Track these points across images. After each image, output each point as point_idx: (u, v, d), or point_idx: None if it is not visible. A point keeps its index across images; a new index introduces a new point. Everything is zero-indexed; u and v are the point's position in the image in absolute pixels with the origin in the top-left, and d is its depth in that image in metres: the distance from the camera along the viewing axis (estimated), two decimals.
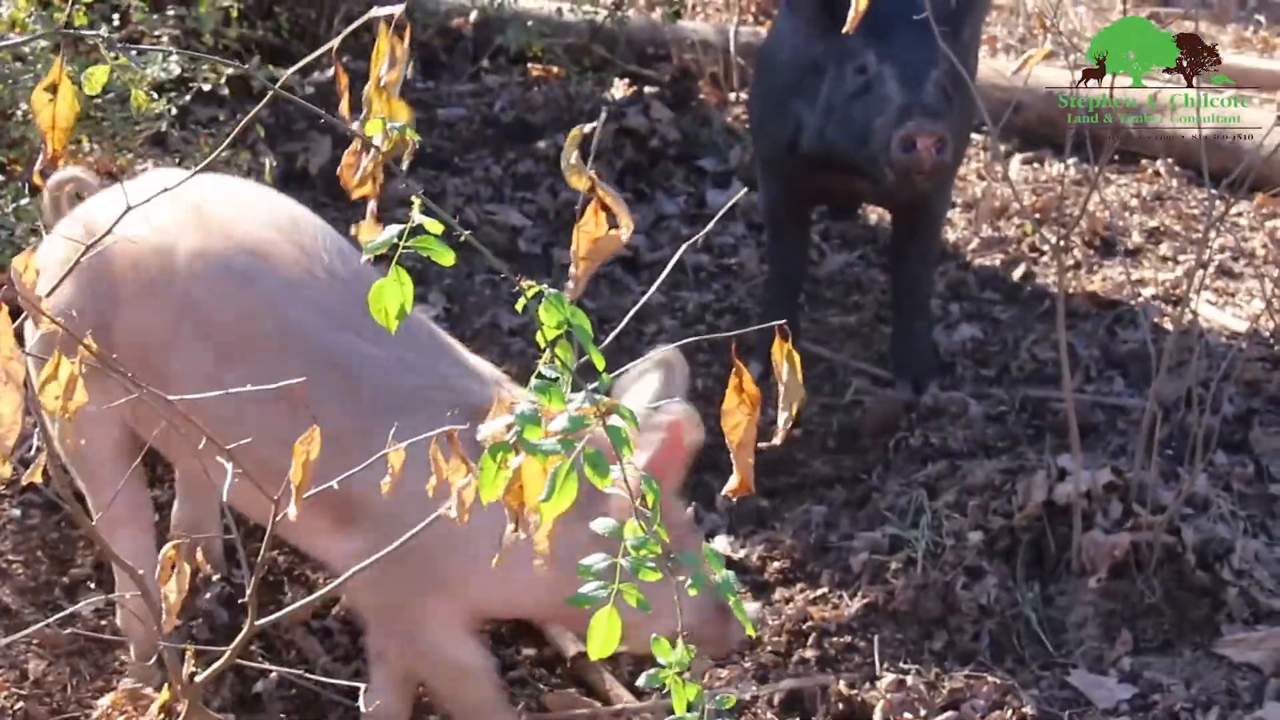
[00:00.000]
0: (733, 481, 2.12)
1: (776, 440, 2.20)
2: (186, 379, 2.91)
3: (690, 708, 1.65)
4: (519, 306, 1.77)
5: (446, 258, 1.76)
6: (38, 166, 2.24)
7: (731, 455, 2.08)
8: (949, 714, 3.34)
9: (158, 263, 3.01)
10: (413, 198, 1.78)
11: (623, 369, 2.53)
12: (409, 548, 2.76)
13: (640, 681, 1.66)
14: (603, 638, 1.66)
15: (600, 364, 1.78)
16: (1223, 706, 3.42)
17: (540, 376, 1.72)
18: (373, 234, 1.89)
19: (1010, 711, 3.41)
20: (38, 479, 2.58)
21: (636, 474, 1.69)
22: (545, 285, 1.79)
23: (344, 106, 2.04)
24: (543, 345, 1.74)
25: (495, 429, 1.78)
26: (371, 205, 2.08)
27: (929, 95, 4.02)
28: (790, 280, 4.71)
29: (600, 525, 1.69)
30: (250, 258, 3.01)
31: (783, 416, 2.26)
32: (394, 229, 1.78)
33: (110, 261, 2.96)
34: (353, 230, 1.97)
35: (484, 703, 3.13)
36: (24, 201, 3.83)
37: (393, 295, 1.80)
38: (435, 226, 1.77)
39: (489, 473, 1.76)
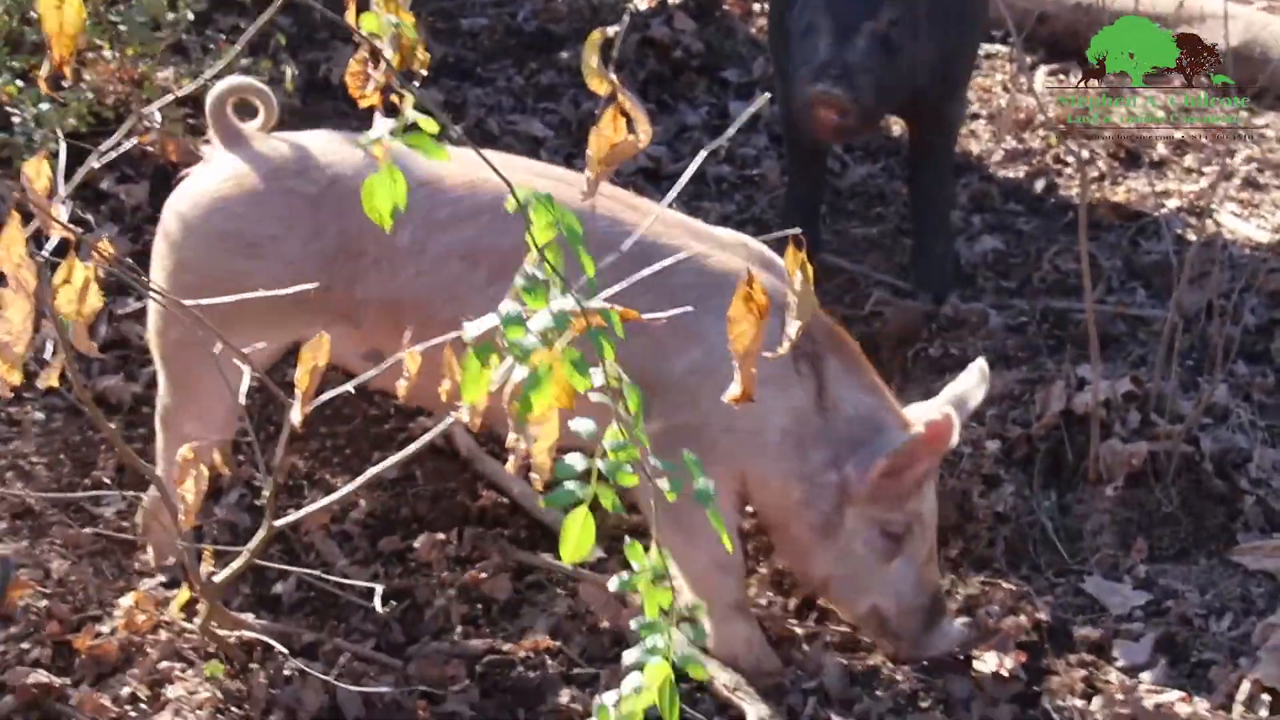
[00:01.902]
0: (734, 389, 2.12)
1: (782, 350, 2.20)
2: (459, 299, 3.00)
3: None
4: (509, 206, 1.75)
5: (440, 155, 1.75)
6: (43, 73, 2.23)
7: (735, 363, 2.08)
8: (964, 619, 3.36)
9: (425, 194, 3.05)
10: (405, 94, 1.76)
11: None
12: (695, 425, 2.93)
13: (612, 585, 1.66)
14: (575, 541, 1.66)
15: (590, 268, 1.77)
16: (1236, 613, 3.43)
17: (527, 277, 1.71)
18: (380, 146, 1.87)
19: (1025, 617, 3.43)
20: (54, 382, 2.61)
21: (621, 375, 1.68)
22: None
23: (350, 15, 2.02)
24: (533, 247, 1.73)
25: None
26: (378, 115, 2.07)
27: (852, 54, 3.93)
28: (808, 193, 4.69)
29: (579, 425, 1.68)
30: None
31: (794, 325, 2.26)
32: (387, 123, 1.77)
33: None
34: (355, 140, 1.95)
35: (735, 603, 3.19)
36: (44, 107, 3.84)
37: (384, 193, 1.80)
38: (430, 125, 1.75)
39: (473, 373, 1.76)
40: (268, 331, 2.96)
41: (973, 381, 3.28)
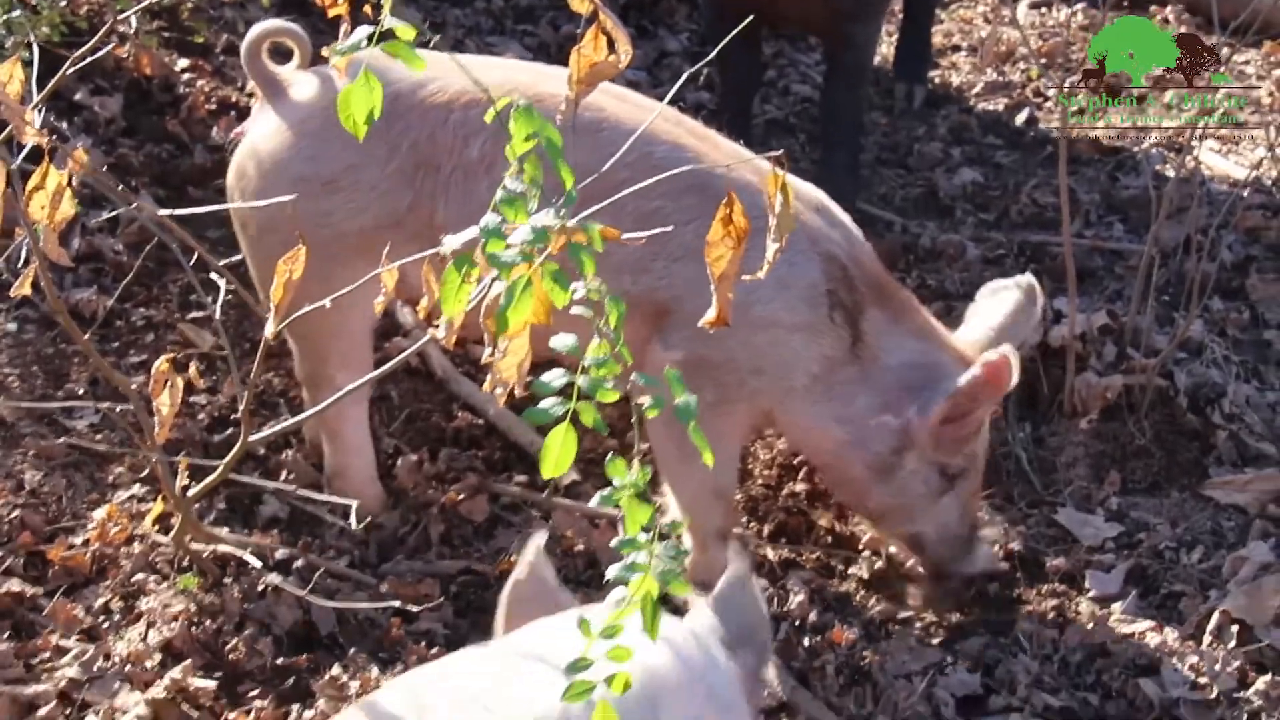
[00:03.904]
0: (710, 313, 2.11)
1: (761, 274, 2.18)
2: None
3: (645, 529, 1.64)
4: (488, 117, 1.73)
5: (417, 64, 1.72)
6: None
7: (712, 286, 2.06)
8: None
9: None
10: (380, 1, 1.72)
11: None
12: (721, 361, 2.94)
13: (593, 502, 1.65)
14: (556, 456, 1.64)
15: (569, 180, 1.75)
16: (1207, 546, 3.45)
17: (505, 189, 1.68)
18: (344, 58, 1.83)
19: (997, 548, 3.45)
20: (27, 291, 2.59)
21: (602, 289, 1.66)
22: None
23: None
24: (511, 159, 1.70)
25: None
26: (345, 26, 2.02)
27: None
28: (740, 93, 4.76)
29: (559, 341, 1.67)
30: (596, 112, 2.98)
31: (773, 247, 2.24)
32: (363, 30, 1.73)
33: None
34: (324, 51, 1.90)
35: (719, 531, 3.19)
36: (15, 14, 3.78)
37: (360, 101, 1.76)
38: (406, 32, 1.71)
39: (451, 285, 1.74)
40: (368, 263, 2.87)
41: (1016, 304, 3.25)
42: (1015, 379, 3.04)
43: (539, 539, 2.16)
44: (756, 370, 3.08)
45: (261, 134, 3.11)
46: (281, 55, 3.16)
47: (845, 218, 3.23)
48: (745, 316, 2.89)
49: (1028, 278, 3.29)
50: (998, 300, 3.29)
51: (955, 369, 3.11)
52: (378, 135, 3.00)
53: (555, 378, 1.63)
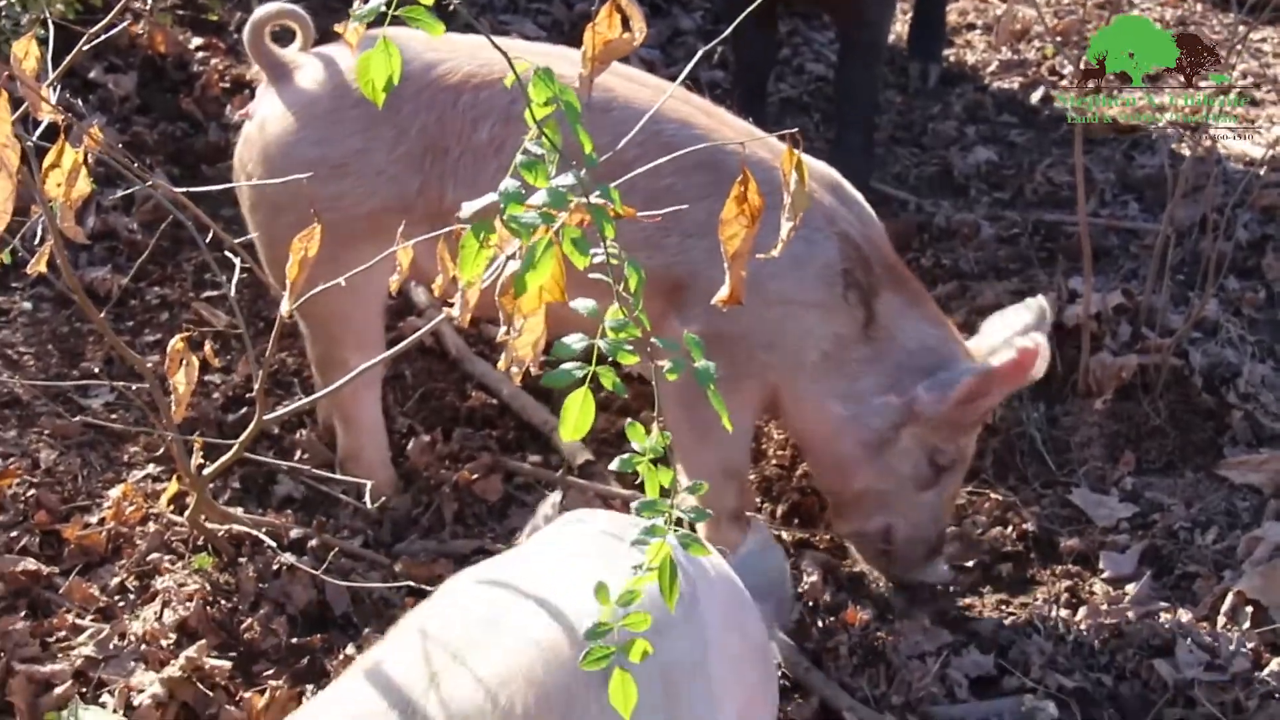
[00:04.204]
0: (723, 291, 2.10)
1: (775, 252, 2.18)
2: None
3: (664, 493, 1.64)
4: (508, 82, 1.72)
5: (436, 29, 1.70)
6: None
7: (725, 264, 2.06)
8: (951, 529, 3.37)
9: (501, 89, 2.99)
10: None
11: None
12: (735, 336, 2.96)
13: (613, 465, 1.65)
14: (575, 420, 1.64)
15: (588, 145, 1.74)
16: (1222, 526, 3.45)
17: (526, 153, 1.68)
18: (357, 32, 1.82)
19: (1011, 528, 3.45)
20: (43, 268, 2.59)
21: (619, 253, 1.66)
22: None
23: None
24: (530, 124, 1.69)
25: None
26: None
27: None
28: (755, 71, 4.75)
29: (580, 304, 1.66)
30: (605, 92, 2.99)
31: (787, 226, 2.24)
32: None
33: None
34: (337, 27, 1.90)
35: (733, 511, 3.18)
36: None
37: (380, 67, 1.75)
38: None
39: (470, 251, 1.73)
40: (377, 245, 2.87)
41: (1032, 318, 3.23)
42: (1042, 371, 3.05)
43: (554, 498, 2.20)
44: (769, 345, 3.08)
45: (268, 118, 3.10)
46: (285, 37, 3.16)
47: (859, 198, 3.22)
48: (761, 292, 2.90)
49: (1039, 300, 3.27)
50: (1007, 318, 3.27)
51: (965, 359, 3.12)
52: (386, 118, 3.00)
53: (575, 340, 1.63)
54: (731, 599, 2.19)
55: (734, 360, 3.04)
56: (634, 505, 1.63)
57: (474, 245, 1.72)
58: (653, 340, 1.66)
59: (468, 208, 1.75)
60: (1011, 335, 3.16)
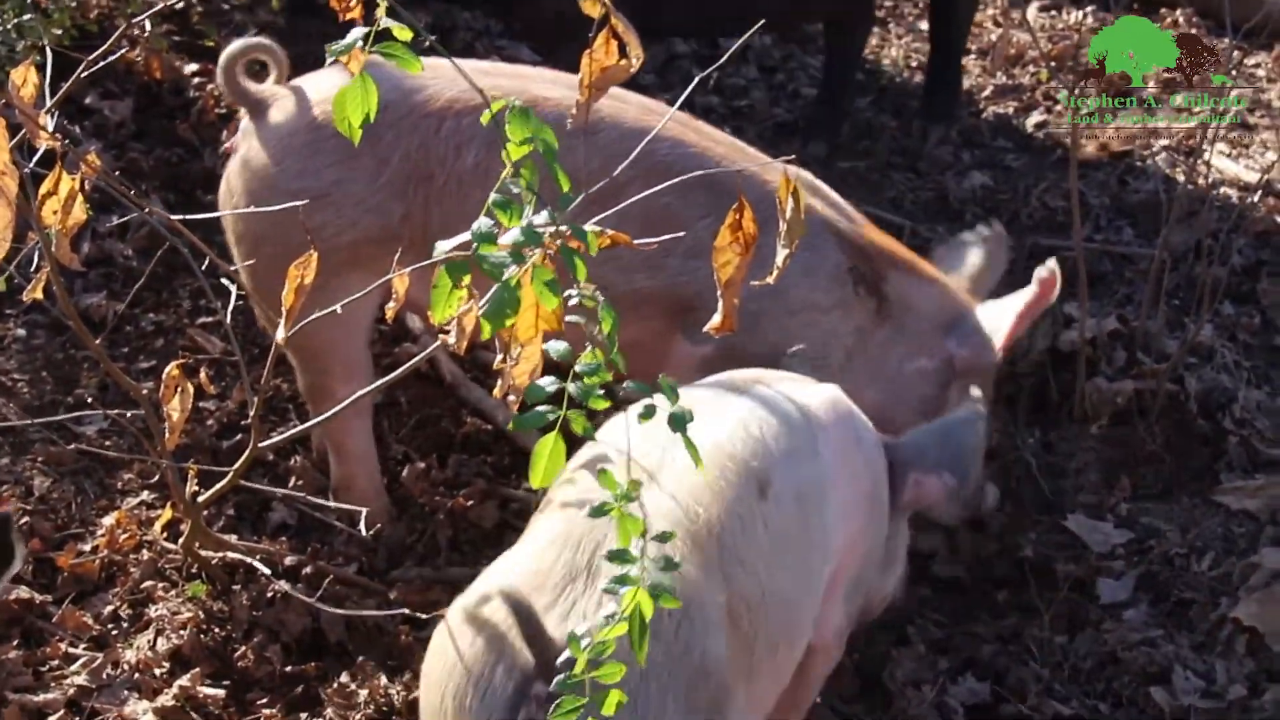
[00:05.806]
0: (716, 319, 2.10)
1: (770, 279, 2.17)
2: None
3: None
4: (484, 119, 1.71)
5: (413, 66, 1.70)
6: None
7: (719, 292, 2.06)
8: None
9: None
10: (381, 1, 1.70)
11: None
12: (758, 353, 2.96)
13: (585, 513, 1.65)
14: (544, 466, 1.64)
15: (565, 184, 1.74)
16: (1218, 552, 3.44)
17: (501, 192, 1.67)
18: (356, 59, 1.81)
19: (1007, 555, 3.44)
20: (39, 295, 2.58)
21: (596, 295, 1.65)
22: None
23: None
24: (508, 162, 1.69)
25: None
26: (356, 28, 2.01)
27: None
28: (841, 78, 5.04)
29: (553, 347, 1.67)
30: (591, 114, 2.98)
31: (782, 253, 2.24)
32: (358, 32, 1.71)
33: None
34: (327, 48, 1.89)
35: None
36: (26, 18, 3.77)
37: (355, 104, 1.74)
38: (403, 33, 1.69)
39: (443, 290, 1.72)
40: (361, 275, 2.86)
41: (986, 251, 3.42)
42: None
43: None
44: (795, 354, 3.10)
45: (249, 153, 3.10)
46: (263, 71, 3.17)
47: (833, 192, 3.29)
48: (781, 302, 2.91)
49: (997, 226, 3.46)
50: (966, 248, 3.43)
51: (969, 304, 3.24)
52: (366, 148, 2.98)
53: (547, 383, 1.63)
54: (845, 446, 2.51)
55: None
56: (604, 554, 1.63)
57: (447, 285, 1.71)
58: (625, 384, 1.66)
59: (442, 246, 1.74)
60: (990, 260, 3.36)
